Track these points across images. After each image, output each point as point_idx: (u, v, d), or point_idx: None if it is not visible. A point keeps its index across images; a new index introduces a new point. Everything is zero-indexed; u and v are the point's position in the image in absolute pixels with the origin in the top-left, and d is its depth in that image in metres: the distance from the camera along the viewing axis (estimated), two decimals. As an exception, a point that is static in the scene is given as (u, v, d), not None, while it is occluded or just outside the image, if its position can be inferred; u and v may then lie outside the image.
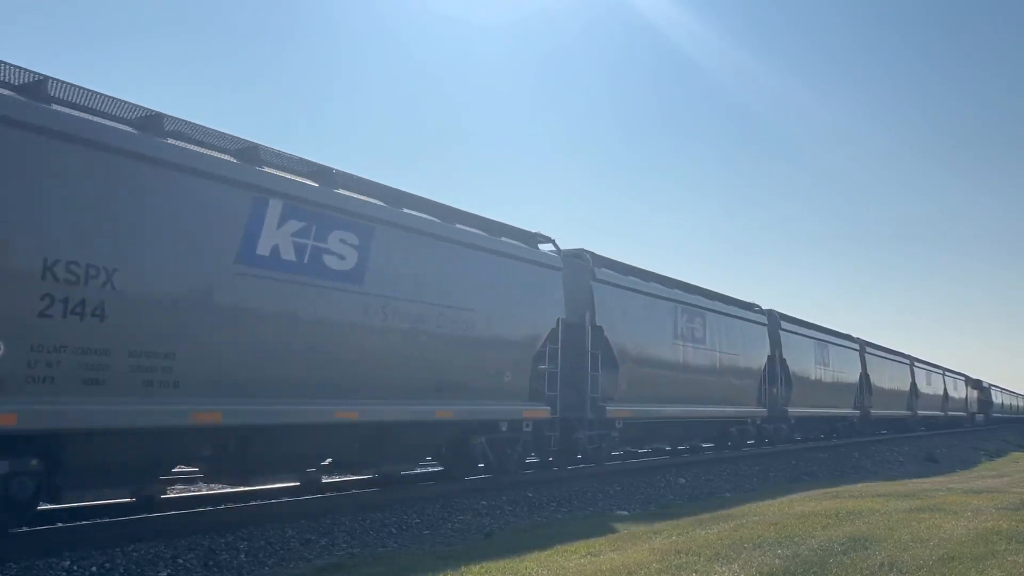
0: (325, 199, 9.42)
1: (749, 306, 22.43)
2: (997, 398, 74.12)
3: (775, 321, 23.84)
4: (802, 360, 25.46)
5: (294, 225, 8.96)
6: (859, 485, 15.23)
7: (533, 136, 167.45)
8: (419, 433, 11.02)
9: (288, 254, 8.85)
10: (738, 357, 20.62)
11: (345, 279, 9.52)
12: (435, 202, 11.60)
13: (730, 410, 20.26)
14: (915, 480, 16.95)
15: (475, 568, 6.87)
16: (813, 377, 26.47)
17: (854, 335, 32.40)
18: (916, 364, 41.44)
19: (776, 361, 23.25)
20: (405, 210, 10.76)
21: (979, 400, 62.19)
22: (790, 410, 23.82)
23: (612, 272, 15.96)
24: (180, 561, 7.37)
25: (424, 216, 11.09)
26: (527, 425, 12.90)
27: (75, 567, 6.83)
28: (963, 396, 55.07)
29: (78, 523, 8.34)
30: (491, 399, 12.00)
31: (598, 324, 14.75)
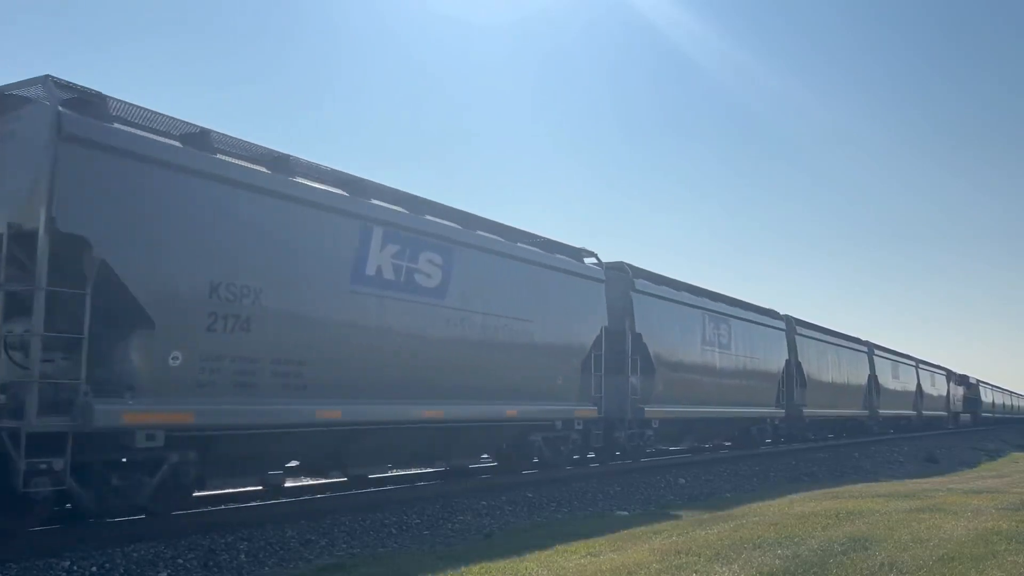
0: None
1: (576, 252, 15.07)
2: (987, 396, 66.95)
3: (623, 281, 16.46)
4: (676, 339, 18.15)
5: None
6: (859, 485, 15.24)
7: (534, 136, 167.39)
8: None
9: None
10: (530, 324, 13.04)
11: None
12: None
13: (534, 408, 13.15)
14: (915, 480, 16.96)
15: (475, 568, 6.87)
16: (698, 362, 19.07)
17: (780, 311, 25.10)
18: (877, 353, 34.78)
19: (626, 338, 16.15)
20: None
21: (965, 398, 55.97)
22: (648, 409, 16.54)
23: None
24: (180, 561, 7.36)
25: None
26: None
27: (75, 567, 6.82)
28: (944, 393, 48.81)
29: (78, 523, 8.31)
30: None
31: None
